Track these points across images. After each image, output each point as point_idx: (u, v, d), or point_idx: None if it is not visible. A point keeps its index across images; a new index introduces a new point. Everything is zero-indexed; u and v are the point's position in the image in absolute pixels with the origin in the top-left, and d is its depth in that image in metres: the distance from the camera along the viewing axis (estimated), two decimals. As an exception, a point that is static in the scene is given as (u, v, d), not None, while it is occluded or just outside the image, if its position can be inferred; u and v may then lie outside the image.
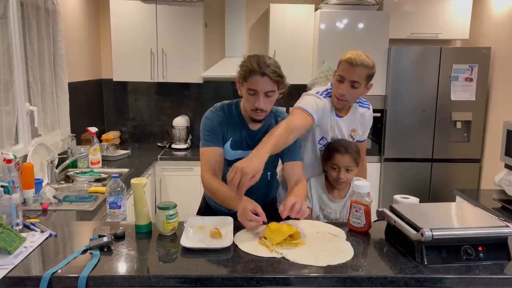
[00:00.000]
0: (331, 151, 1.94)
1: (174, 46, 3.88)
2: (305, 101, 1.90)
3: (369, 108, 2.10)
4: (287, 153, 1.85)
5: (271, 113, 1.87)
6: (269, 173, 1.94)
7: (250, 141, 1.86)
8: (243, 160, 1.59)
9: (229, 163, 1.88)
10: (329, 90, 1.99)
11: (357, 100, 2.04)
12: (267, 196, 2.02)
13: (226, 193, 1.70)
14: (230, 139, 1.87)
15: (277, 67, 1.71)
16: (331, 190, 1.99)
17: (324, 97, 1.95)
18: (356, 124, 2.06)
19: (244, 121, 1.86)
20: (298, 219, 1.64)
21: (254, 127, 1.86)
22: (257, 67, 1.68)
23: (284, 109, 2.12)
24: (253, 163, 1.56)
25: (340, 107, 1.95)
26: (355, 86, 1.84)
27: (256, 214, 1.59)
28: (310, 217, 1.95)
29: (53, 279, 1.29)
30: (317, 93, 1.97)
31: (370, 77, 1.87)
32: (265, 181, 1.93)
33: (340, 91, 1.87)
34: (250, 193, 1.68)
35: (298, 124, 1.78)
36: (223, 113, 1.86)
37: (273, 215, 1.70)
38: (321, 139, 2.01)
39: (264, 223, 1.59)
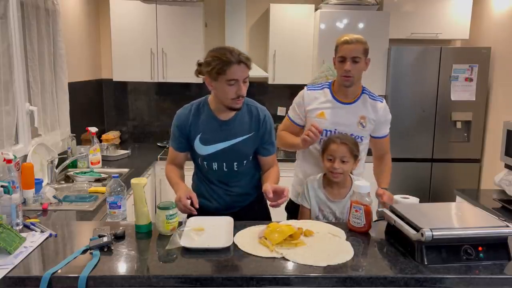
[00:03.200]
0: (327, 142, 1.96)
1: (174, 46, 3.88)
2: (292, 106, 2.19)
3: (382, 101, 2.12)
4: (266, 150, 1.99)
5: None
6: (255, 162, 2.02)
7: (224, 132, 1.91)
8: None
9: (206, 158, 1.94)
10: (324, 83, 2.15)
11: (367, 92, 2.12)
12: (257, 187, 2.05)
13: (172, 181, 1.99)
14: (198, 136, 1.92)
15: (243, 52, 1.79)
16: (330, 190, 1.97)
17: (309, 89, 2.13)
18: (365, 112, 2.07)
19: (214, 115, 1.91)
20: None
21: (226, 117, 1.91)
22: (232, 57, 1.73)
23: (284, 109, 2.14)
24: None
25: (348, 84, 2.03)
26: (356, 61, 2.00)
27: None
28: (309, 217, 1.96)
29: (53, 279, 1.29)
30: (307, 88, 2.15)
31: (366, 51, 2.04)
32: (252, 171, 2.04)
33: (346, 68, 1.99)
34: (236, 181, 1.97)
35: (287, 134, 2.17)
36: (188, 113, 1.94)
37: (265, 206, 2.03)
38: (325, 132, 2.04)
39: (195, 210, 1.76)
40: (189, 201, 1.75)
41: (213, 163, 1.94)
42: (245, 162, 1.96)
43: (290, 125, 2.19)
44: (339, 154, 1.90)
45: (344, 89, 2.05)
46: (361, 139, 2.07)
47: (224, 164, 1.94)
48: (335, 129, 2.03)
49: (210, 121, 1.92)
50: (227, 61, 1.73)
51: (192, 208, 1.76)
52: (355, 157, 1.94)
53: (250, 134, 1.93)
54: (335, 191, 1.96)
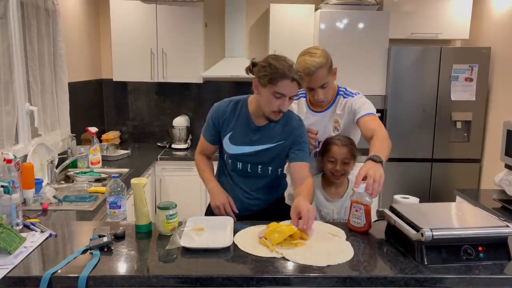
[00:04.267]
0: (328, 144, 1.95)
1: (174, 46, 3.88)
2: None
3: (353, 96, 2.01)
4: (294, 155, 1.89)
5: None
6: (279, 169, 1.98)
7: (255, 136, 1.89)
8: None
9: (231, 156, 1.93)
10: (299, 93, 2.05)
11: (342, 92, 2.03)
12: (275, 193, 2.05)
13: (203, 174, 2.02)
14: (229, 134, 1.90)
15: (300, 71, 1.76)
16: (328, 189, 1.98)
17: (294, 99, 1.97)
18: (337, 115, 2.02)
19: (250, 118, 1.89)
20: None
21: (261, 123, 1.89)
22: (288, 72, 1.69)
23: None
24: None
25: (323, 105, 2.00)
26: (324, 87, 1.91)
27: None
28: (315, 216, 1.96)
29: (53, 279, 1.29)
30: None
31: (330, 68, 1.91)
32: (274, 177, 1.98)
33: (316, 97, 1.94)
34: (258, 187, 1.93)
35: None
36: (226, 107, 1.92)
37: (281, 212, 1.85)
38: None
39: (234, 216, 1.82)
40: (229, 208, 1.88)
41: (238, 163, 1.93)
42: (270, 168, 1.94)
43: None
44: (341, 156, 1.91)
45: None
46: None
47: (249, 165, 1.92)
48: (317, 141, 2.01)
49: (244, 123, 1.89)
50: (282, 74, 1.69)
51: (232, 214, 1.86)
52: (354, 157, 1.95)
53: (281, 142, 1.89)
54: (333, 191, 1.98)
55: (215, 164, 2.10)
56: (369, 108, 1.94)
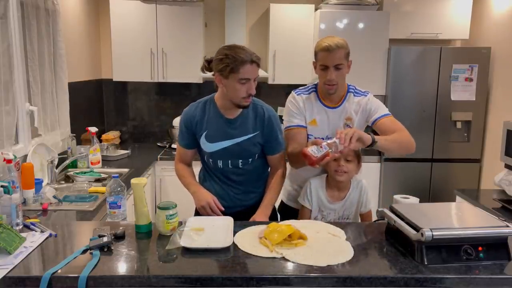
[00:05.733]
0: None
1: (174, 46, 3.88)
2: (287, 111, 2.05)
3: (366, 95, 2.04)
4: (267, 148, 1.99)
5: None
6: (261, 159, 2.02)
7: (230, 130, 1.93)
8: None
9: (211, 155, 1.97)
10: (310, 87, 2.06)
11: (352, 90, 2.04)
12: (265, 182, 2.07)
13: (187, 181, 2.04)
14: (204, 133, 1.94)
15: (255, 52, 1.81)
16: (331, 192, 1.98)
17: (299, 94, 2.04)
18: (350, 113, 2.02)
19: (220, 113, 1.93)
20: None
21: (232, 115, 1.93)
22: (246, 56, 1.76)
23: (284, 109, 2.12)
24: None
25: (332, 92, 1.96)
26: (339, 68, 1.91)
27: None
28: (309, 218, 1.97)
29: (53, 279, 1.29)
30: (294, 91, 2.07)
31: (348, 55, 1.94)
32: (258, 168, 2.04)
33: (328, 77, 1.91)
34: (245, 181, 2.00)
35: (298, 145, 1.96)
36: (195, 110, 1.97)
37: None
38: (308, 137, 2.00)
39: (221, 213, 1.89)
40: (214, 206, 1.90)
41: (218, 161, 1.96)
42: (250, 160, 1.97)
43: (298, 133, 2.00)
44: (344, 153, 1.90)
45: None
46: None
47: (229, 161, 1.96)
48: (326, 135, 1.99)
49: (216, 119, 1.94)
50: (241, 60, 1.75)
51: (219, 212, 1.89)
52: (358, 157, 1.95)
53: (254, 133, 1.94)
54: (335, 194, 1.98)
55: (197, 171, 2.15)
56: (385, 109, 2.02)
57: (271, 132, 1.96)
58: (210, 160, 1.98)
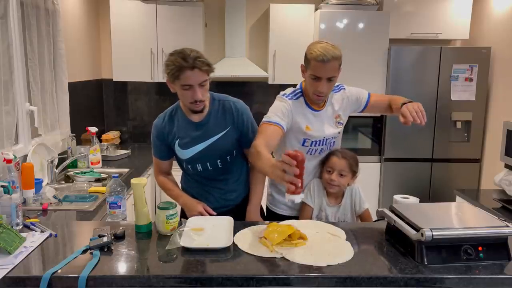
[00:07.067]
0: (329, 155, 1.99)
1: (174, 46, 3.79)
2: (273, 108, 1.91)
3: (343, 88, 2.04)
4: (245, 140, 1.94)
5: (213, 100, 1.94)
6: (239, 155, 2.00)
7: (200, 133, 1.91)
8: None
9: (188, 161, 1.96)
10: (297, 92, 1.97)
11: None
12: (248, 177, 2.06)
13: (173, 193, 2.04)
14: (177, 142, 1.93)
15: (201, 56, 1.74)
16: (329, 195, 2.01)
17: (290, 99, 1.93)
18: (337, 109, 2.01)
19: (187, 118, 1.92)
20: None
21: (199, 118, 1.91)
22: (185, 62, 1.70)
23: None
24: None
25: (321, 101, 1.94)
26: (331, 80, 1.83)
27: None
28: (310, 216, 1.97)
29: (53, 279, 1.29)
30: (283, 95, 1.96)
31: (340, 64, 1.86)
32: (237, 164, 2.02)
33: (320, 89, 1.83)
34: (224, 177, 1.98)
35: (269, 140, 1.78)
36: (163, 122, 1.97)
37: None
38: (304, 141, 1.96)
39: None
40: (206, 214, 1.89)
41: (197, 165, 1.95)
42: (228, 157, 1.95)
43: (271, 129, 1.82)
44: (338, 168, 1.93)
45: None
46: (338, 133, 2.05)
47: (208, 163, 1.94)
48: (324, 137, 1.97)
49: (185, 125, 1.93)
50: (180, 67, 1.71)
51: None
52: (354, 172, 1.97)
53: (226, 130, 1.91)
54: (332, 197, 2.01)
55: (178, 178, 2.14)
56: (363, 90, 2.08)
57: (243, 123, 1.91)
58: (189, 166, 1.97)
